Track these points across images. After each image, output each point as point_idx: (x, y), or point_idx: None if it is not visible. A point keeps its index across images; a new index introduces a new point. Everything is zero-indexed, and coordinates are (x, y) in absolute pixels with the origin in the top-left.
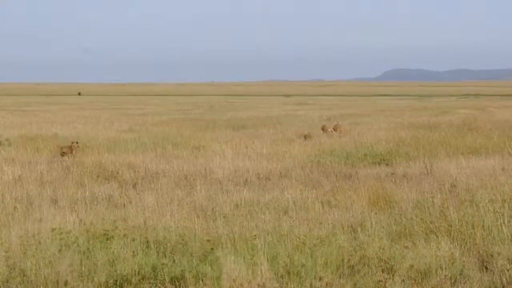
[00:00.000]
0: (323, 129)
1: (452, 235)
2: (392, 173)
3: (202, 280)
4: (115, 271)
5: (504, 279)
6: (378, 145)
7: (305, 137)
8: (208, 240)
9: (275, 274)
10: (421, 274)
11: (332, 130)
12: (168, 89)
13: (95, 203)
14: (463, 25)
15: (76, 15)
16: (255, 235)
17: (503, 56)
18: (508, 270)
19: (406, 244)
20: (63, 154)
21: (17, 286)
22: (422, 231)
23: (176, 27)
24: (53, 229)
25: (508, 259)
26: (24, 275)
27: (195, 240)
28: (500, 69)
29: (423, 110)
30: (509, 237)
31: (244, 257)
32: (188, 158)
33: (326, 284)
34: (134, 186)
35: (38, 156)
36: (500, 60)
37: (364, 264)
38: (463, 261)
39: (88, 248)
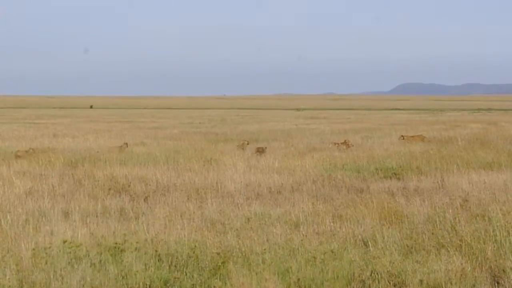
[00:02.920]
0: (335, 143)
1: (463, 250)
2: (403, 188)
3: None
4: (126, 284)
5: None
6: (390, 159)
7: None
8: (218, 254)
9: None
10: None
11: (342, 144)
12: (179, 103)
13: (107, 216)
14: (474, 39)
15: (89, 28)
16: (265, 249)
17: None
18: None
19: (417, 259)
20: (243, 146)
21: None
22: (433, 246)
23: (189, 40)
24: (64, 242)
25: None
26: None
27: (206, 254)
28: (511, 84)
29: (435, 124)
30: None
31: (254, 271)
32: (200, 171)
33: None
34: (145, 199)
35: (49, 169)
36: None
37: (375, 279)
38: (475, 276)
39: (99, 261)
